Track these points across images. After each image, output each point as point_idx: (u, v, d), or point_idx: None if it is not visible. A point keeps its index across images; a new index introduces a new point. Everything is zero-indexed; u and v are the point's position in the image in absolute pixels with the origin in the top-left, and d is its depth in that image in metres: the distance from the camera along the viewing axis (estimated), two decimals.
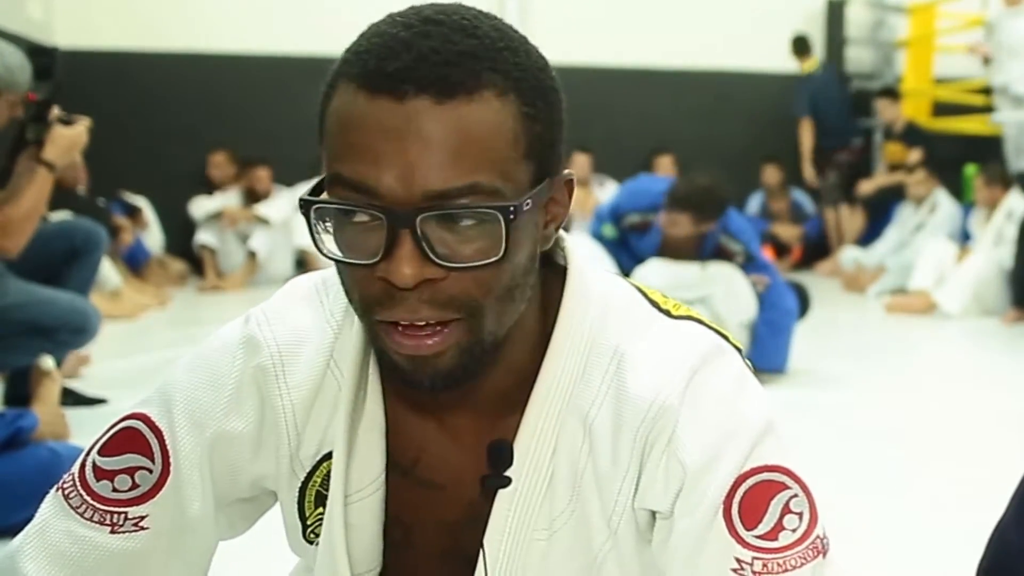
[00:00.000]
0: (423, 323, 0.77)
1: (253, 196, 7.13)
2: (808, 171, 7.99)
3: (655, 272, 3.68)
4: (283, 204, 7.06)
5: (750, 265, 3.85)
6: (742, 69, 8.19)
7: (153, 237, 7.05)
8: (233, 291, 6.70)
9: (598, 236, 4.06)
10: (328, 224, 0.78)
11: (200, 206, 7.15)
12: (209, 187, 7.27)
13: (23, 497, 2.18)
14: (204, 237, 7.06)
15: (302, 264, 7.09)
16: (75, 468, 0.92)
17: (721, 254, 3.84)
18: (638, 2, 7.99)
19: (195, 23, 7.46)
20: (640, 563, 0.90)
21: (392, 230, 0.74)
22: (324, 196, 0.78)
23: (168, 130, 7.35)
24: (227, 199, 7.17)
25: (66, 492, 0.91)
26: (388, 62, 0.74)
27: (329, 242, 0.78)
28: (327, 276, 0.95)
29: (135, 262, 6.44)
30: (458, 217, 0.75)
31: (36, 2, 6.87)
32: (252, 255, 7.02)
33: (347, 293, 0.82)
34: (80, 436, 2.74)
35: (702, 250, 3.82)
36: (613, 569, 0.90)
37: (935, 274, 5.98)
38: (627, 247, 3.98)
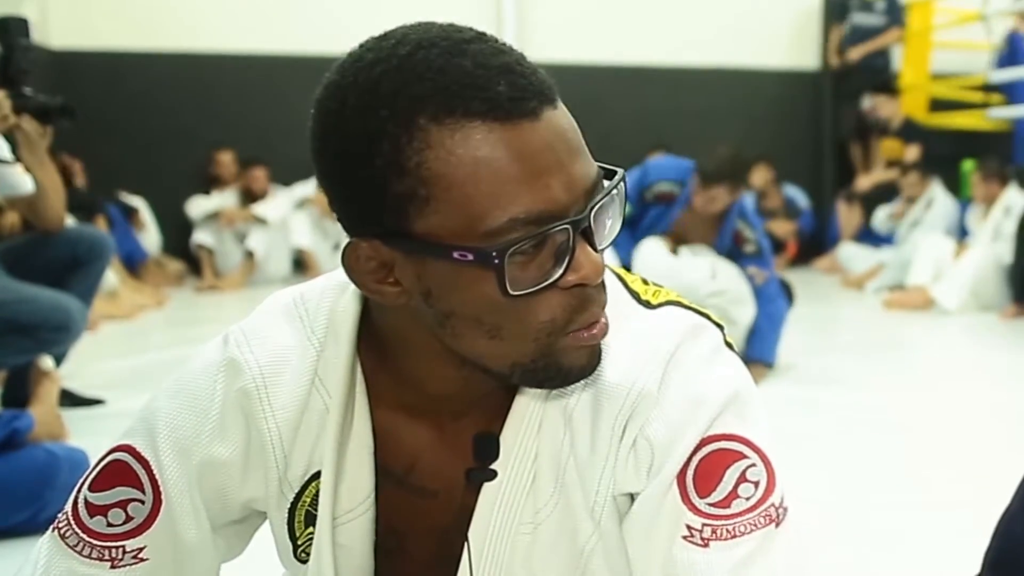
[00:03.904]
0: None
1: (250, 196, 7.12)
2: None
3: (665, 276, 3.68)
4: (280, 204, 7.06)
5: (756, 257, 3.86)
6: (739, 66, 8.18)
7: (150, 237, 7.03)
8: (231, 291, 6.68)
9: None
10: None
11: (197, 206, 7.14)
12: (208, 187, 7.25)
13: (20, 499, 2.18)
14: (201, 237, 7.04)
15: (299, 264, 7.09)
16: (68, 507, 0.92)
17: (737, 239, 3.85)
18: (633, 0, 7.98)
19: (191, 23, 7.44)
20: (627, 557, 0.90)
21: (572, 237, 0.75)
22: (483, 245, 0.74)
23: (164, 130, 7.33)
24: (224, 199, 7.15)
25: (62, 531, 0.91)
26: (496, 88, 0.73)
27: (511, 281, 0.75)
28: (304, 291, 0.94)
29: (132, 262, 6.42)
30: (611, 200, 0.79)
31: (32, 2, 6.85)
32: (250, 255, 7.00)
33: (499, 329, 0.78)
34: (77, 437, 2.73)
35: (722, 234, 3.84)
36: (600, 563, 0.91)
37: (933, 270, 5.98)
38: (635, 228, 3.95)
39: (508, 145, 0.73)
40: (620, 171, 0.81)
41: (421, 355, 0.85)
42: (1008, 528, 1.11)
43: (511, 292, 0.75)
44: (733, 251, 3.85)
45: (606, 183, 0.80)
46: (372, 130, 0.74)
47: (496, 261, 0.73)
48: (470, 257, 0.74)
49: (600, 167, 0.80)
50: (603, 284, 0.80)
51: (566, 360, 0.80)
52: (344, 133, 0.75)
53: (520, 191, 0.73)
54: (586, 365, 0.81)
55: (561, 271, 0.76)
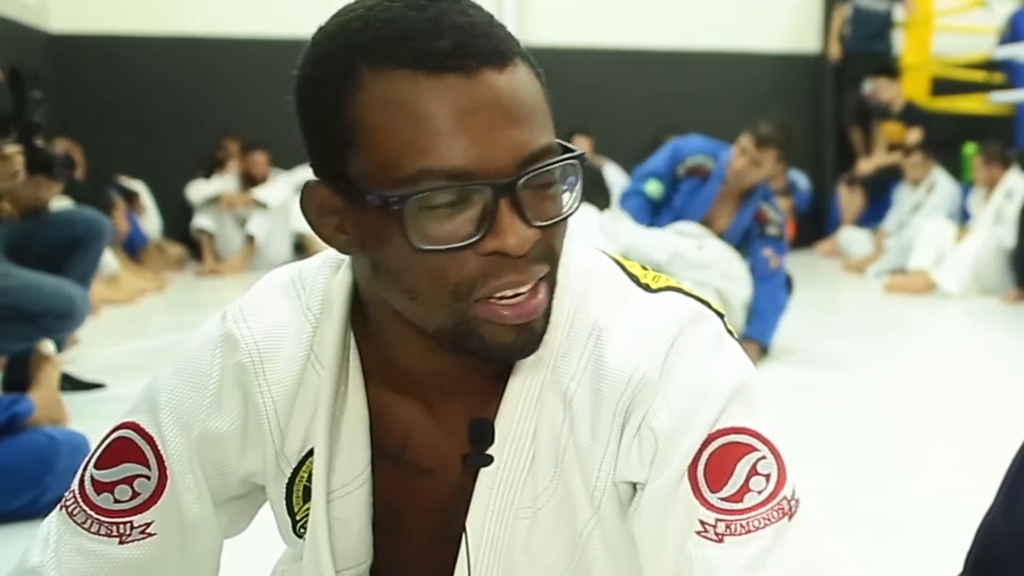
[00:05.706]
0: (526, 288, 0.78)
1: (251, 180, 7.11)
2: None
3: (657, 245, 3.69)
4: (281, 188, 7.04)
5: (775, 241, 3.87)
6: (739, 50, 8.16)
7: (151, 222, 7.03)
8: (231, 275, 6.68)
9: (638, 194, 4.06)
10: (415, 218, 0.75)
11: (198, 190, 7.13)
12: (209, 171, 7.24)
13: (21, 483, 2.19)
14: (202, 221, 7.04)
15: (300, 248, 7.08)
16: (74, 484, 0.92)
17: (760, 218, 3.87)
18: None
19: (191, 6, 7.41)
20: (625, 539, 0.90)
21: (495, 203, 0.75)
22: (402, 192, 0.74)
23: (164, 114, 7.32)
24: (225, 183, 7.15)
25: (70, 509, 0.91)
26: (436, 41, 0.73)
27: (420, 235, 0.75)
28: (303, 268, 0.94)
29: (133, 247, 6.42)
30: (550, 176, 0.77)
31: None
32: (250, 239, 7.00)
33: (414, 289, 0.78)
34: (78, 421, 2.73)
35: (743, 211, 3.87)
36: (599, 546, 0.91)
37: (934, 254, 5.97)
38: (669, 206, 3.96)
39: (433, 97, 0.73)
40: (579, 151, 0.80)
41: (388, 324, 0.86)
42: (989, 527, 1.09)
43: (417, 246, 0.75)
44: (753, 229, 3.86)
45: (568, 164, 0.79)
46: (322, 74, 0.77)
47: (396, 207, 0.74)
48: (378, 203, 0.75)
49: (562, 145, 0.79)
50: (535, 261, 0.78)
51: (487, 334, 0.79)
52: (306, 78, 0.78)
53: (437, 143, 0.73)
54: (512, 344, 0.80)
55: (480, 235, 0.75)
